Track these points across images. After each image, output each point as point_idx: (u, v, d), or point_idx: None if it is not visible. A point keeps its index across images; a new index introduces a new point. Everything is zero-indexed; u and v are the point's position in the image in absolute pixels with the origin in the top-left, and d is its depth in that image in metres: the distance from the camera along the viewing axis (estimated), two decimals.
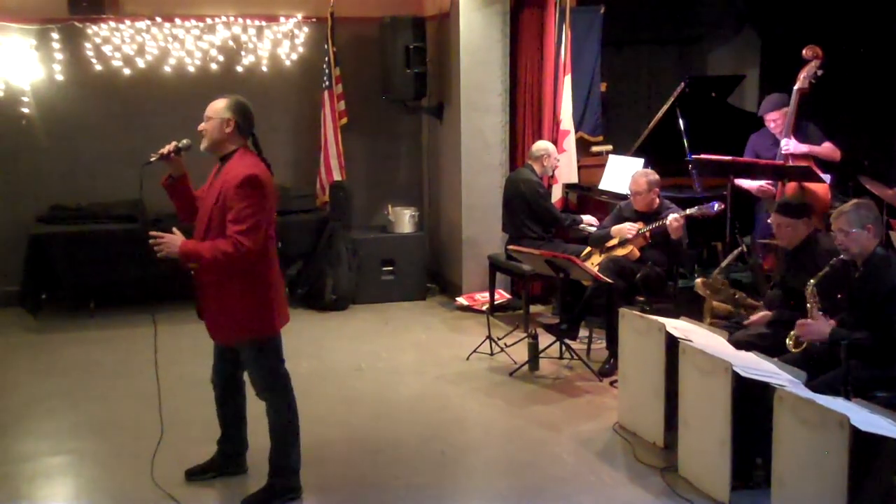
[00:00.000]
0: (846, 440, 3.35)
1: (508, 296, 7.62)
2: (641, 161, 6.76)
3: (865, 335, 4.09)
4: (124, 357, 6.21)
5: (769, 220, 5.05)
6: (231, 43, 7.93)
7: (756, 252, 6.25)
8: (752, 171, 6.11)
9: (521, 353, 6.07)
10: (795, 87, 5.90)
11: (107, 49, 7.67)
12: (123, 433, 4.94)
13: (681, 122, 6.85)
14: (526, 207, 6.78)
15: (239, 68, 7.96)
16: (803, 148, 5.90)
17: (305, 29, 8.04)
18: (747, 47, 8.64)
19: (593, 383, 5.74)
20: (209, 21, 7.84)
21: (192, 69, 7.85)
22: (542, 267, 6.14)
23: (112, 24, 7.62)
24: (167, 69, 7.81)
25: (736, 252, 5.69)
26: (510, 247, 6.58)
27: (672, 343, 4.49)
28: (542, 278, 6.96)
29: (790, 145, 5.89)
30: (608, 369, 5.83)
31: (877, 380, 4.08)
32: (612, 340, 5.70)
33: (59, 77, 7.63)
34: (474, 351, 6.27)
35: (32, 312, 7.12)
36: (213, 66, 7.90)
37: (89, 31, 7.63)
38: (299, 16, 8.01)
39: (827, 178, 5.93)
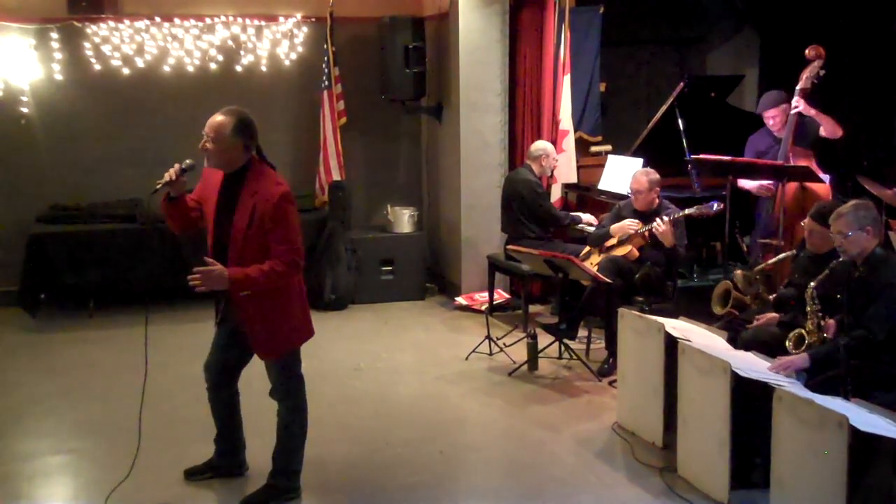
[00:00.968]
0: (845, 440, 3.36)
1: (507, 296, 7.62)
2: (640, 161, 6.76)
3: (847, 339, 4.08)
4: (124, 357, 6.20)
5: (802, 223, 4.99)
6: (230, 43, 7.93)
7: (756, 252, 6.25)
8: (751, 171, 6.12)
9: (520, 353, 6.07)
10: (798, 88, 5.90)
11: (106, 49, 7.67)
12: (123, 433, 4.93)
13: (680, 122, 6.85)
14: (524, 208, 6.79)
15: (238, 68, 7.96)
16: (812, 111, 5.88)
17: (305, 29, 8.04)
18: (747, 47, 8.64)
19: (592, 383, 5.74)
20: (208, 21, 7.84)
21: (191, 69, 7.85)
22: (541, 267, 6.14)
23: (111, 23, 7.63)
24: (166, 69, 7.82)
25: (784, 255, 5.35)
26: (509, 247, 6.58)
27: (671, 343, 4.49)
28: (541, 278, 6.96)
29: (801, 105, 5.86)
30: (607, 369, 5.83)
31: (877, 380, 4.09)
32: (611, 340, 5.71)
33: (59, 77, 7.63)
34: (473, 351, 6.27)
35: (31, 312, 7.12)
36: (213, 66, 7.90)
37: (88, 31, 7.63)
38: (298, 15, 8.01)
39: (826, 178, 5.94)
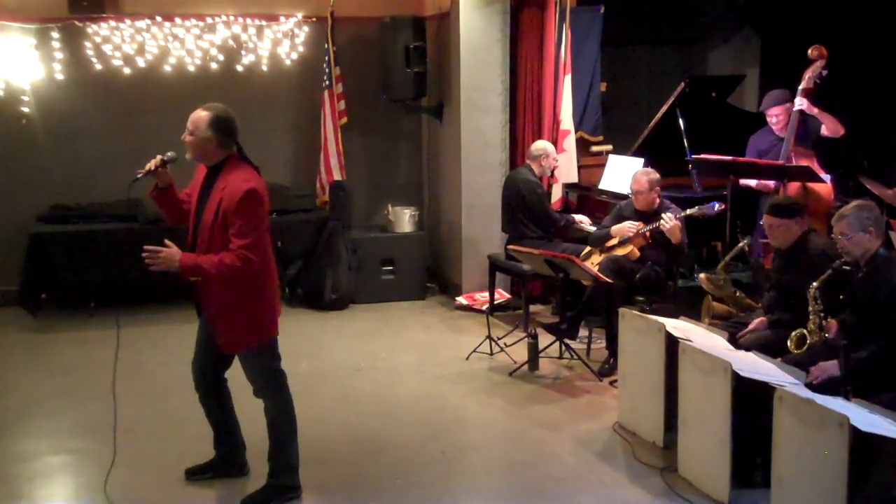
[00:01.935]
0: (846, 440, 3.35)
1: (508, 295, 7.61)
2: (641, 161, 6.75)
3: (872, 350, 4.07)
4: (124, 356, 6.17)
5: (761, 222, 5.04)
6: (231, 42, 7.93)
7: (757, 251, 6.25)
8: (752, 172, 6.11)
9: (520, 352, 6.07)
10: (800, 88, 5.89)
11: (107, 48, 7.67)
12: (123, 433, 4.92)
13: (681, 121, 6.84)
14: (525, 208, 6.78)
15: (239, 68, 7.96)
16: (815, 110, 5.88)
17: (305, 28, 8.04)
18: (747, 47, 8.64)
19: (593, 383, 5.74)
20: (209, 20, 7.83)
21: (192, 69, 7.85)
22: (541, 267, 6.14)
23: (112, 23, 7.62)
24: (167, 68, 7.81)
25: (738, 247, 5.66)
26: (510, 246, 6.58)
27: (672, 343, 4.49)
28: (541, 278, 6.96)
29: (804, 104, 5.86)
30: (608, 369, 5.83)
31: (877, 380, 4.08)
32: (612, 340, 5.71)
33: (59, 76, 7.63)
34: (474, 351, 6.27)
35: (32, 312, 7.12)
36: (213, 66, 7.89)
37: (89, 31, 7.62)
38: (299, 15, 8.01)
39: (827, 177, 5.93)
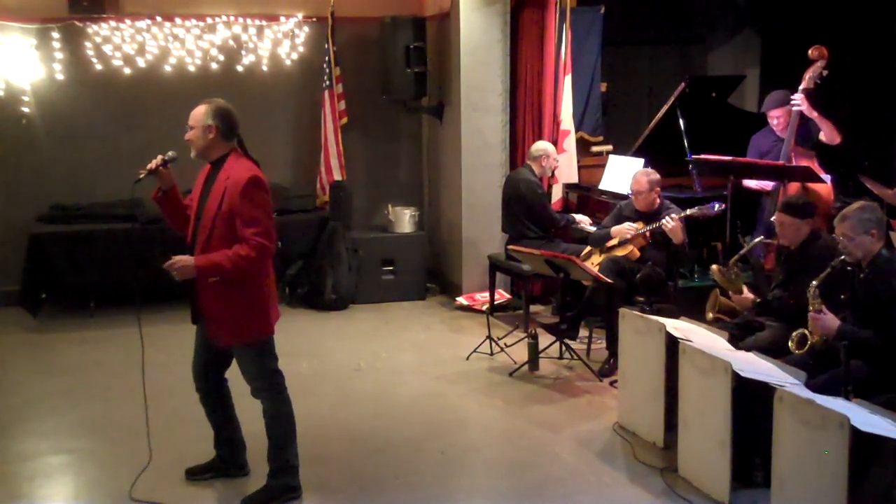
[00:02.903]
0: (846, 440, 3.35)
1: (508, 296, 7.62)
2: (641, 161, 6.75)
3: (871, 334, 4.09)
4: (124, 357, 6.20)
5: (772, 219, 5.03)
6: (231, 42, 7.93)
7: (757, 252, 6.24)
8: (752, 172, 6.11)
9: (520, 353, 6.07)
10: (801, 88, 5.89)
11: (107, 48, 7.67)
12: (123, 433, 4.93)
13: (681, 122, 6.84)
14: (525, 208, 6.78)
15: (239, 68, 7.96)
16: (814, 114, 5.86)
17: (306, 28, 8.04)
18: (747, 47, 8.64)
19: (593, 383, 5.74)
20: (209, 20, 7.84)
21: (192, 69, 7.85)
22: (541, 267, 6.13)
23: (112, 23, 7.63)
24: (167, 69, 7.82)
25: (755, 242, 5.51)
26: (510, 247, 6.58)
27: (672, 343, 4.49)
28: (542, 278, 6.96)
29: (804, 104, 5.84)
30: (608, 369, 5.83)
31: (877, 380, 4.08)
32: (612, 340, 5.71)
33: (60, 76, 7.64)
34: (474, 351, 6.27)
35: (32, 312, 7.12)
36: (214, 66, 7.90)
37: (90, 31, 7.63)
38: (299, 15, 8.01)
39: (828, 178, 5.93)
